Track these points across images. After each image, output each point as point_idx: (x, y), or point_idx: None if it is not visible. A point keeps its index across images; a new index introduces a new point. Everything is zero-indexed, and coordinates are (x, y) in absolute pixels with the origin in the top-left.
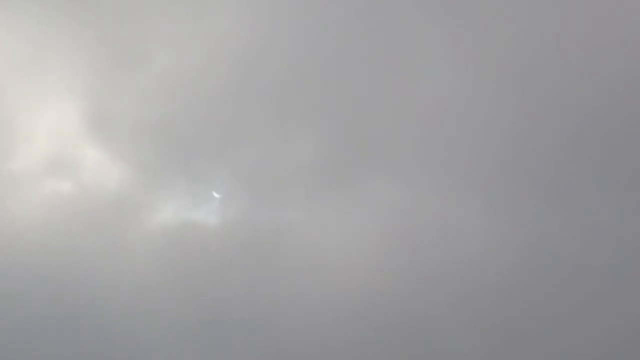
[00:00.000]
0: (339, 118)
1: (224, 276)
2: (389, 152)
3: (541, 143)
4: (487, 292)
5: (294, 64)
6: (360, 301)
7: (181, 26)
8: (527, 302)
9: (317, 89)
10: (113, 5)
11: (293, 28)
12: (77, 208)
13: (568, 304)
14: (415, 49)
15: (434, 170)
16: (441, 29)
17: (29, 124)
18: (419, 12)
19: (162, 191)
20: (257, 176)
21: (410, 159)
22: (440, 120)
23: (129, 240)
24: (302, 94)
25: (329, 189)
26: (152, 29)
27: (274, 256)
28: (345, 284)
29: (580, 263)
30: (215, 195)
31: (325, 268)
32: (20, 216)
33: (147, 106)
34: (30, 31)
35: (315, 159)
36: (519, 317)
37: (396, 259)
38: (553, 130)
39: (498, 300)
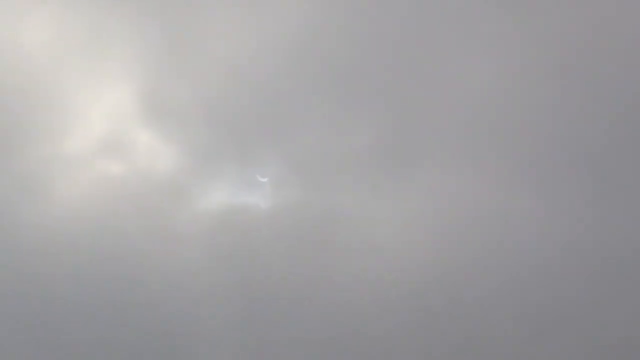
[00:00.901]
0: (391, 104)
1: (273, 259)
2: (442, 137)
3: (593, 129)
4: (539, 278)
5: (347, 50)
6: (411, 286)
7: (237, 12)
8: (576, 288)
9: (369, 75)
10: None
11: (347, 14)
12: (128, 190)
13: (618, 290)
14: (466, 36)
15: (486, 155)
16: (491, 15)
17: (84, 105)
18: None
19: (212, 174)
20: (309, 161)
21: (463, 145)
22: (493, 106)
23: (178, 223)
24: (355, 80)
25: (381, 174)
26: (208, 15)
27: (325, 240)
28: (397, 269)
29: (631, 248)
30: (261, 179)
31: (376, 253)
32: (71, 197)
33: (201, 91)
34: (91, 15)
35: (367, 145)
36: (568, 303)
37: (448, 244)
38: (605, 116)
39: (550, 286)
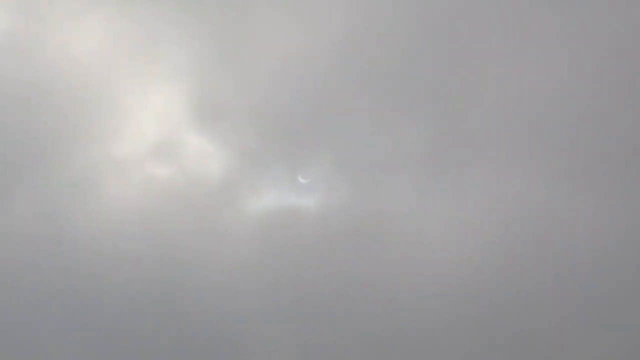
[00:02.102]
0: (443, 106)
1: (322, 260)
2: (490, 138)
3: None
4: (587, 277)
5: (398, 54)
6: (460, 285)
7: (286, 16)
8: (627, 288)
9: (418, 77)
10: None
11: (396, 16)
12: (177, 192)
13: None
14: (515, 36)
15: (536, 155)
16: (540, 14)
17: (135, 109)
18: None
19: (261, 176)
20: (357, 163)
21: (512, 145)
22: (545, 108)
23: (227, 224)
24: (404, 81)
25: (430, 175)
26: (258, 19)
27: (374, 240)
28: (445, 269)
29: None
30: (302, 180)
31: (425, 252)
32: (122, 199)
33: (251, 94)
34: (143, 20)
35: (416, 146)
36: (617, 303)
37: (497, 244)
38: None
39: (597, 285)
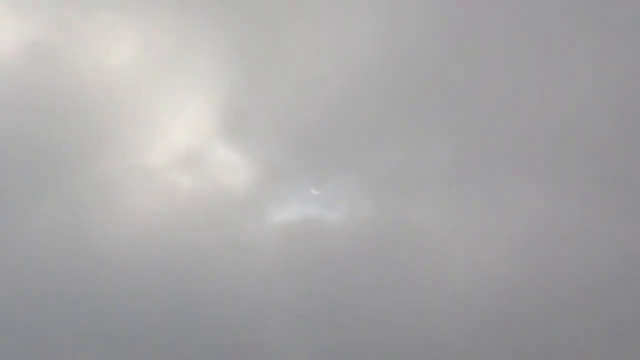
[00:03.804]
0: (467, 122)
1: (346, 272)
2: (523, 154)
3: None
4: (617, 294)
5: (424, 72)
6: (486, 299)
7: (320, 31)
8: None
9: (445, 96)
10: (255, 10)
11: (423, 29)
12: (202, 202)
13: None
14: (540, 55)
15: (562, 172)
16: (568, 36)
17: (163, 120)
18: (553, 14)
19: (287, 190)
20: (383, 178)
21: (545, 161)
22: (568, 123)
23: (251, 235)
24: (431, 100)
25: (457, 190)
26: (289, 34)
27: (399, 254)
28: (473, 282)
29: None
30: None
31: (451, 267)
32: (147, 208)
33: (280, 109)
34: (174, 31)
35: (443, 162)
36: None
37: (524, 258)
38: None
39: (626, 299)
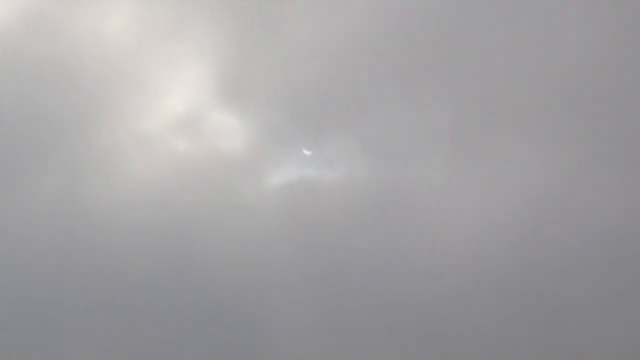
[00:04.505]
0: (468, 82)
1: (344, 232)
2: (523, 117)
3: None
4: (617, 253)
5: (423, 31)
6: (485, 259)
7: None
8: None
9: (446, 55)
10: None
11: None
12: (200, 166)
13: None
14: (544, 9)
15: (568, 134)
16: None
17: (161, 87)
18: None
19: (285, 152)
20: (382, 138)
21: (545, 123)
22: (575, 84)
23: (249, 197)
24: (430, 60)
25: (457, 151)
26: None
27: (398, 215)
28: (471, 243)
29: None
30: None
31: (450, 226)
32: (146, 173)
33: (278, 71)
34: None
35: (443, 122)
36: None
37: (524, 219)
38: None
39: (627, 260)
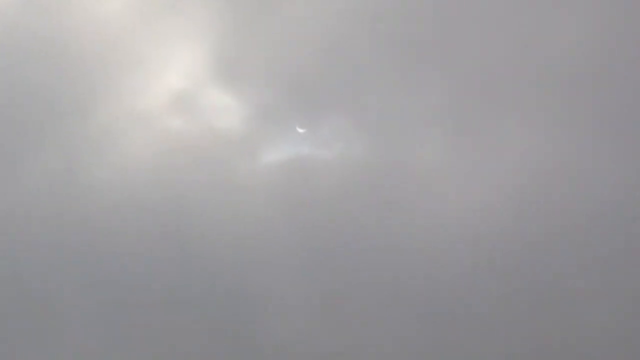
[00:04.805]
0: (465, 59)
1: (339, 210)
2: (521, 97)
3: None
4: (620, 237)
5: (420, 8)
6: (484, 238)
7: None
8: None
9: (443, 32)
10: None
11: None
12: (196, 143)
13: None
14: None
15: (567, 116)
16: None
17: (158, 64)
18: None
19: (281, 130)
20: (381, 117)
21: (543, 104)
22: (574, 62)
23: (244, 175)
24: (427, 37)
25: (454, 129)
26: None
27: (394, 193)
28: (469, 221)
29: None
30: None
31: (448, 205)
32: (142, 151)
33: (274, 50)
34: None
35: (440, 100)
36: None
37: (523, 197)
38: None
39: (633, 245)
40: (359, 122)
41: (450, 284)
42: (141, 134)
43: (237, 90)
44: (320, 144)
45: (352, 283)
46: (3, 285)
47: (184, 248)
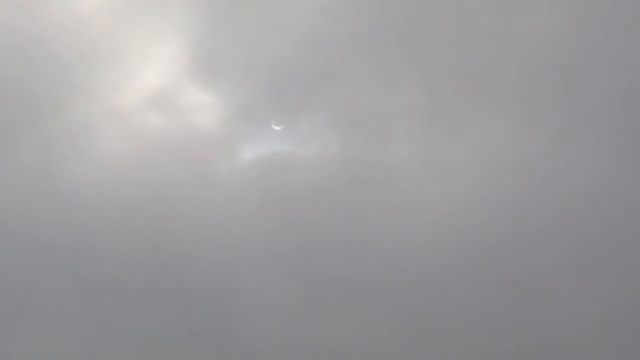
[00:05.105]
0: (441, 56)
1: (319, 209)
2: (493, 89)
3: None
4: (595, 229)
5: (398, 6)
6: (461, 234)
7: None
8: (630, 240)
9: (418, 29)
10: None
11: None
12: (174, 142)
13: None
14: None
15: (543, 107)
16: None
17: (136, 61)
18: None
19: (258, 127)
20: (357, 114)
21: (519, 96)
22: (549, 56)
23: (222, 173)
24: (403, 34)
25: (430, 126)
26: None
27: (372, 190)
28: (446, 217)
29: None
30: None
31: (425, 202)
32: (119, 149)
33: (251, 48)
34: None
35: (416, 97)
36: (623, 253)
37: (498, 193)
38: None
39: (602, 237)
40: (336, 119)
41: (427, 277)
42: (119, 131)
43: (215, 88)
44: (297, 142)
45: (331, 277)
46: None
47: (163, 244)
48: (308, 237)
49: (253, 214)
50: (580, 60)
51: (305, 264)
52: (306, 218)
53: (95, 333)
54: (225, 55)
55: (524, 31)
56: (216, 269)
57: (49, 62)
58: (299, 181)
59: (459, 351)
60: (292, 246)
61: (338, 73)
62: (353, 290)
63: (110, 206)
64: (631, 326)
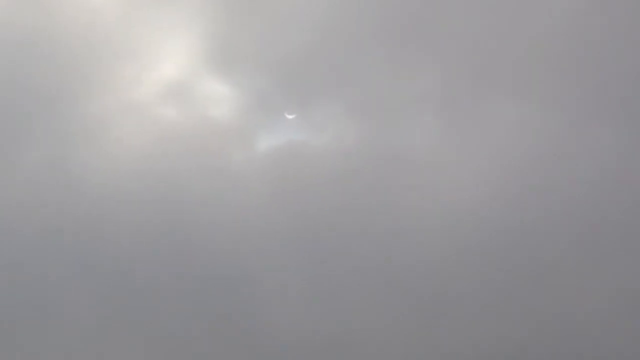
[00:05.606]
0: (456, 43)
1: (334, 197)
2: (509, 76)
3: None
4: (611, 211)
5: None
6: (477, 221)
7: None
8: None
9: (433, 16)
10: None
11: None
12: (190, 133)
13: None
14: None
15: (558, 90)
16: None
17: (151, 54)
18: None
19: (274, 117)
20: (372, 102)
21: (531, 82)
22: (564, 41)
23: (239, 163)
24: (417, 22)
25: (446, 113)
26: None
27: (387, 178)
28: (462, 204)
29: None
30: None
31: (440, 188)
32: (135, 141)
33: (265, 37)
34: None
35: (432, 85)
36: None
37: (516, 179)
38: None
39: (624, 220)
40: (350, 107)
41: (443, 262)
42: (135, 123)
43: (230, 79)
44: (312, 130)
45: (347, 264)
46: None
47: (179, 235)
48: (323, 225)
49: (269, 203)
50: (597, 42)
51: (321, 250)
52: (322, 206)
53: (109, 319)
54: (240, 47)
55: (537, 13)
56: (233, 256)
57: (64, 56)
58: (315, 170)
59: (478, 333)
60: (308, 234)
61: (352, 62)
62: (369, 279)
63: (126, 198)
64: None
